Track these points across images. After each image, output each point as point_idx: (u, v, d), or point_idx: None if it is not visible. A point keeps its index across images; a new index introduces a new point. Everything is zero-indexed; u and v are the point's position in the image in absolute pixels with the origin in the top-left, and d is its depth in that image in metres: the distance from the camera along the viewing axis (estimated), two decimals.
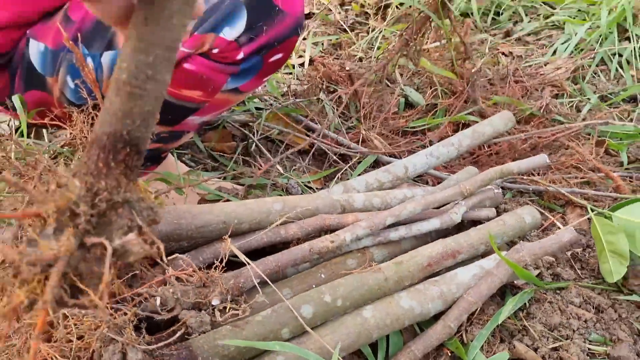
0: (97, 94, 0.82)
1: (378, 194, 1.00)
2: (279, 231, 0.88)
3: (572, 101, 1.47)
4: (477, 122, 1.26)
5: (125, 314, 0.67)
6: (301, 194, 1.18)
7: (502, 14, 1.96)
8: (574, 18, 1.80)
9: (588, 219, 1.00)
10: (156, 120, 0.36)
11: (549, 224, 1.09)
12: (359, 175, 1.15)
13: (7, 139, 0.89)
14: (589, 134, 1.30)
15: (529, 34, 1.84)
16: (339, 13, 2.12)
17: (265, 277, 0.78)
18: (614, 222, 0.93)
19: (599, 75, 1.60)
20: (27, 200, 0.35)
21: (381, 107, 1.45)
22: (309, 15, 2.14)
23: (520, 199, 1.17)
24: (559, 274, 0.97)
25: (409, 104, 1.54)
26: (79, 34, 0.90)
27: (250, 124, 1.38)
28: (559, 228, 1.08)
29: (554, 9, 1.92)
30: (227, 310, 0.77)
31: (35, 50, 0.97)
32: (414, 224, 0.94)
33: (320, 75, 1.57)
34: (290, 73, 1.74)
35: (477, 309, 0.86)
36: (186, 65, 0.90)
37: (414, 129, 1.44)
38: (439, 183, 1.15)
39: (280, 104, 1.45)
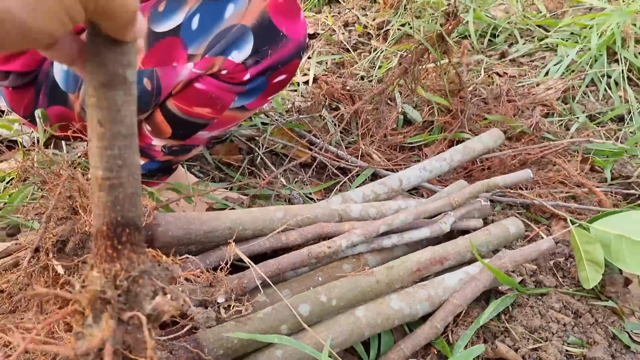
0: None
1: (374, 204, 1.07)
2: (280, 237, 0.95)
3: (561, 120, 1.54)
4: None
5: None
6: (302, 204, 1.26)
7: (498, 36, 2.04)
8: (567, 41, 1.88)
9: (569, 230, 1.07)
10: (142, 195, 0.42)
11: (534, 235, 1.16)
12: (357, 187, 1.23)
13: (34, 149, 0.98)
14: (576, 152, 1.38)
15: (523, 55, 1.92)
16: (343, 34, 2.21)
17: (267, 278, 0.86)
18: (591, 233, 1.00)
19: (588, 96, 1.67)
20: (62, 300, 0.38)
21: (380, 124, 1.53)
22: (314, 36, 2.23)
23: (508, 212, 1.24)
24: (541, 281, 1.04)
25: (407, 121, 1.62)
26: None
27: (256, 138, 1.47)
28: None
29: (548, 31, 2.00)
30: (231, 308, 0.84)
31: (59, 69, 1.05)
32: (406, 232, 1.01)
33: (323, 93, 1.65)
34: (295, 90, 1.82)
35: (462, 312, 0.93)
36: (197, 85, 0.99)
37: (411, 145, 1.52)
38: (432, 196, 1.22)
39: (284, 119, 1.53)
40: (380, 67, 1.90)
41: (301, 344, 0.77)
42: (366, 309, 0.87)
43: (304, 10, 2.41)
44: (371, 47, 2.08)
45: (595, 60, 1.72)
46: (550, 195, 1.25)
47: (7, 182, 1.19)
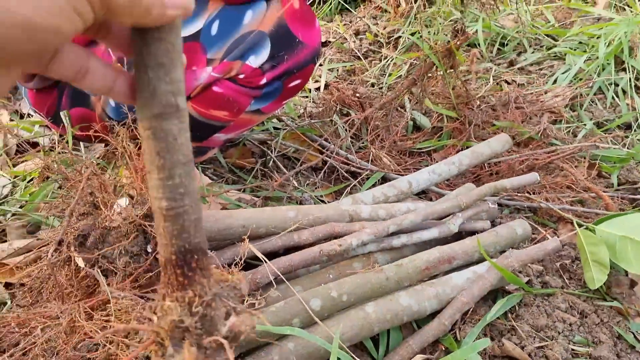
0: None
1: (383, 206, 1.10)
2: (292, 236, 0.98)
3: (569, 127, 1.57)
4: None
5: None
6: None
7: (507, 44, 2.07)
8: (575, 50, 1.90)
9: (576, 232, 1.09)
10: (202, 223, 0.40)
11: (541, 238, 1.18)
12: (367, 189, 1.26)
13: (56, 149, 1.02)
14: (583, 157, 1.40)
15: (531, 64, 1.95)
16: (354, 42, 2.25)
17: (280, 274, 0.89)
18: (597, 234, 1.02)
19: (596, 104, 1.69)
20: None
21: (390, 129, 1.56)
22: (325, 43, 2.28)
23: (516, 215, 1.26)
24: (547, 282, 1.06)
25: (417, 127, 1.65)
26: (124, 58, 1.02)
27: (269, 142, 1.50)
28: None
29: (557, 41, 2.03)
30: (244, 302, 0.87)
31: None
32: (415, 232, 1.04)
33: (334, 99, 1.69)
34: (307, 96, 1.86)
35: (469, 309, 0.95)
36: (215, 88, 1.02)
37: (421, 150, 1.55)
38: (441, 198, 1.25)
39: (296, 124, 1.57)
40: (390, 74, 1.93)
41: (313, 336, 0.80)
42: (376, 304, 0.90)
43: None
44: (381, 55, 2.11)
45: (603, 69, 1.74)
46: (558, 200, 1.27)
47: (28, 182, 1.24)
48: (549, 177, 1.34)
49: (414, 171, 1.44)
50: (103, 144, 1.37)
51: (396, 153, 1.51)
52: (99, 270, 0.86)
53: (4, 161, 1.30)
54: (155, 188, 0.37)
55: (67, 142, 1.11)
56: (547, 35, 2.07)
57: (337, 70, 2.04)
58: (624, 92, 1.69)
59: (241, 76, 1.00)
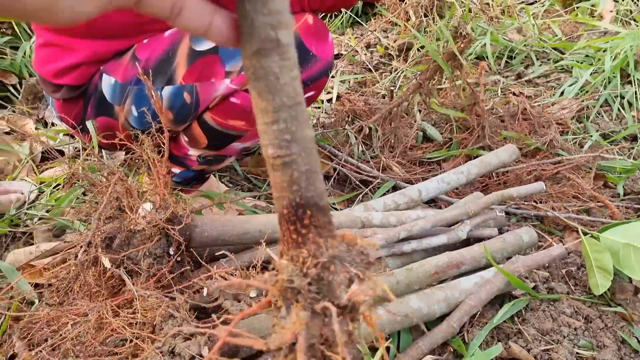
0: (162, 119, 1.00)
1: (394, 213, 1.14)
2: None
3: (575, 138, 1.60)
4: None
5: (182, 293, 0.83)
6: None
7: (514, 57, 2.12)
8: (582, 63, 1.94)
9: (581, 240, 1.13)
10: (321, 174, 0.36)
11: (548, 246, 1.22)
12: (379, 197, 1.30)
13: (81, 157, 1.07)
14: (590, 168, 1.43)
15: (539, 77, 1.99)
16: (365, 54, 2.31)
17: None
18: (601, 242, 1.06)
19: (602, 116, 1.73)
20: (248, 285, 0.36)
21: (398, 138, 1.60)
22: (337, 56, 2.33)
23: (523, 224, 1.30)
24: (553, 288, 1.09)
25: (427, 138, 1.70)
26: (149, 70, 1.08)
27: None
28: None
29: (564, 54, 2.07)
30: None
31: (107, 83, 1.15)
32: (425, 238, 1.08)
33: (346, 110, 1.74)
34: (319, 107, 1.91)
35: (477, 313, 0.99)
36: (233, 99, 1.08)
37: (430, 160, 1.59)
38: (449, 206, 1.29)
39: None
40: (400, 86, 1.98)
41: None
42: (387, 307, 0.94)
43: None
44: (392, 68, 2.17)
45: (609, 82, 1.78)
46: (564, 209, 1.30)
47: (54, 187, 1.29)
48: (555, 187, 1.38)
49: (424, 180, 1.48)
50: (124, 152, 1.42)
51: (406, 162, 1.56)
52: (124, 271, 0.90)
53: (31, 168, 1.36)
54: (261, 134, 0.35)
55: (92, 149, 1.17)
56: (555, 49, 2.11)
57: (349, 82, 2.10)
58: (630, 104, 1.73)
59: None
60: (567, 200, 1.35)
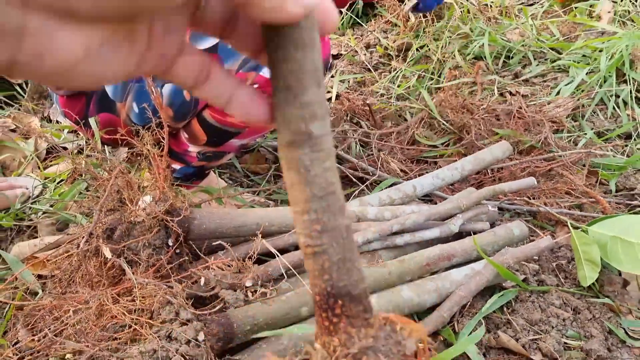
0: (162, 115, 1.03)
1: (389, 208, 1.17)
2: None
3: (570, 136, 1.63)
4: None
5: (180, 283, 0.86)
6: None
7: (512, 57, 2.14)
8: (578, 62, 1.96)
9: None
10: (358, 261, 0.36)
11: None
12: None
13: (84, 152, 1.11)
14: (584, 165, 1.46)
15: (536, 76, 2.01)
16: (364, 54, 2.34)
17: (291, 267, 0.96)
18: (589, 235, 1.08)
19: (597, 114, 1.75)
20: None
21: (397, 136, 1.63)
22: (337, 56, 2.36)
23: (516, 219, 1.32)
24: (543, 280, 1.11)
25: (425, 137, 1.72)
26: None
27: None
28: None
29: (561, 54, 2.09)
30: (257, 292, 0.95)
31: None
32: (418, 232, 1.11)
33: (345, 109, 1.77)
34: None
35: (467, 303, 1.01)
36: None
37: (427, 158, 1.62)
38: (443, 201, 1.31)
39: None
40: (399, 86, 2.01)
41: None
42: (379, 296, 0.96)
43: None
44: (391, 67, 2.19)
45: (605, 81, 1.80)
46: (556, 204, 1.33)
47: (58, 183, 1.33)
48: (549, 183, 1.40)
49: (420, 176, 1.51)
50: (127, 148, 1.46)
51: (403, 160, 1.58)
52: (124, 261, 0.94)
53: (35, 164, 1.40)
54: (294, 221, 0.34)
55: (95, 144, 1.20)
56: (552, 49, 2.13)
57: (348, 81, 2.13)
58: (625, 103, 1.75)
59: (255, 86, 1.08)
60: (560, 196, 1.37)
